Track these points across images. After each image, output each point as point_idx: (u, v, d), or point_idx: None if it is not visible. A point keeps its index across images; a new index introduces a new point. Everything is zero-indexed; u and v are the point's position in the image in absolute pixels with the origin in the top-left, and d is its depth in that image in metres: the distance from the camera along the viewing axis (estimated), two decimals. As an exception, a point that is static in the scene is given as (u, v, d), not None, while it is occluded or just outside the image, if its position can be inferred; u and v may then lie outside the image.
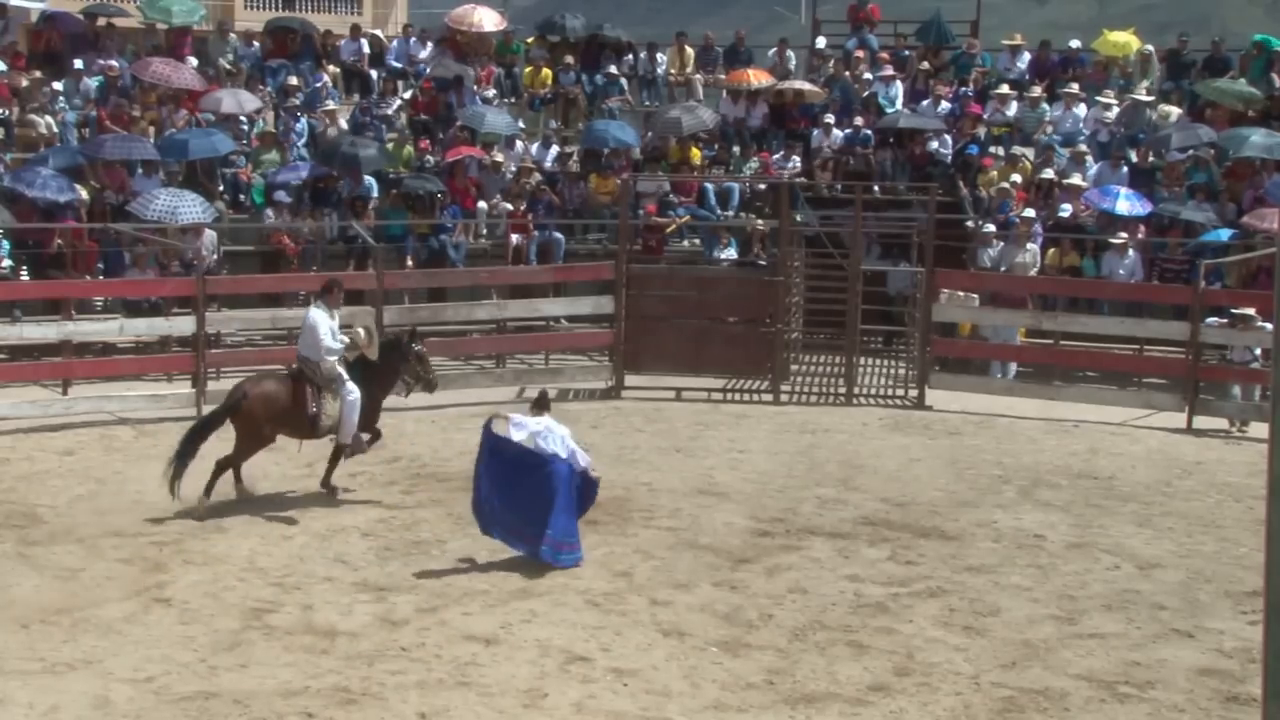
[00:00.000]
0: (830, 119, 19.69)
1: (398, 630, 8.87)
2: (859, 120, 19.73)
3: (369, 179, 18.27)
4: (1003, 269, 17.07)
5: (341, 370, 11.52)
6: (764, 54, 22.72)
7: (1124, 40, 21.10)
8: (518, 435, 10.06)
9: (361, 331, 11.74)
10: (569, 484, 10.07)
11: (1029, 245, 17.09)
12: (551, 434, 10.13)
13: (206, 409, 14.33)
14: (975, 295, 16.45)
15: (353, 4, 30.57)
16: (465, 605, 9.29)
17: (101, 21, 20.76)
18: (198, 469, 11.13)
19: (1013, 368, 16.71)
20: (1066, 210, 17.56)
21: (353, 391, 11.48)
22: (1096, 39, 21.58)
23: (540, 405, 10.41)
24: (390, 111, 20.25)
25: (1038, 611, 9.45)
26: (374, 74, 21.35)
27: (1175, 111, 19.42)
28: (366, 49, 21.72)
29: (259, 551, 10.33)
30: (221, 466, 11.26)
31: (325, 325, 11.47)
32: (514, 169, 18.92)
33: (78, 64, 19.77)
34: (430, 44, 21.94)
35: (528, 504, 9.98)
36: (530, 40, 22.51)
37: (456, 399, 15.26)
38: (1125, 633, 9.11)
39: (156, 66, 19.61)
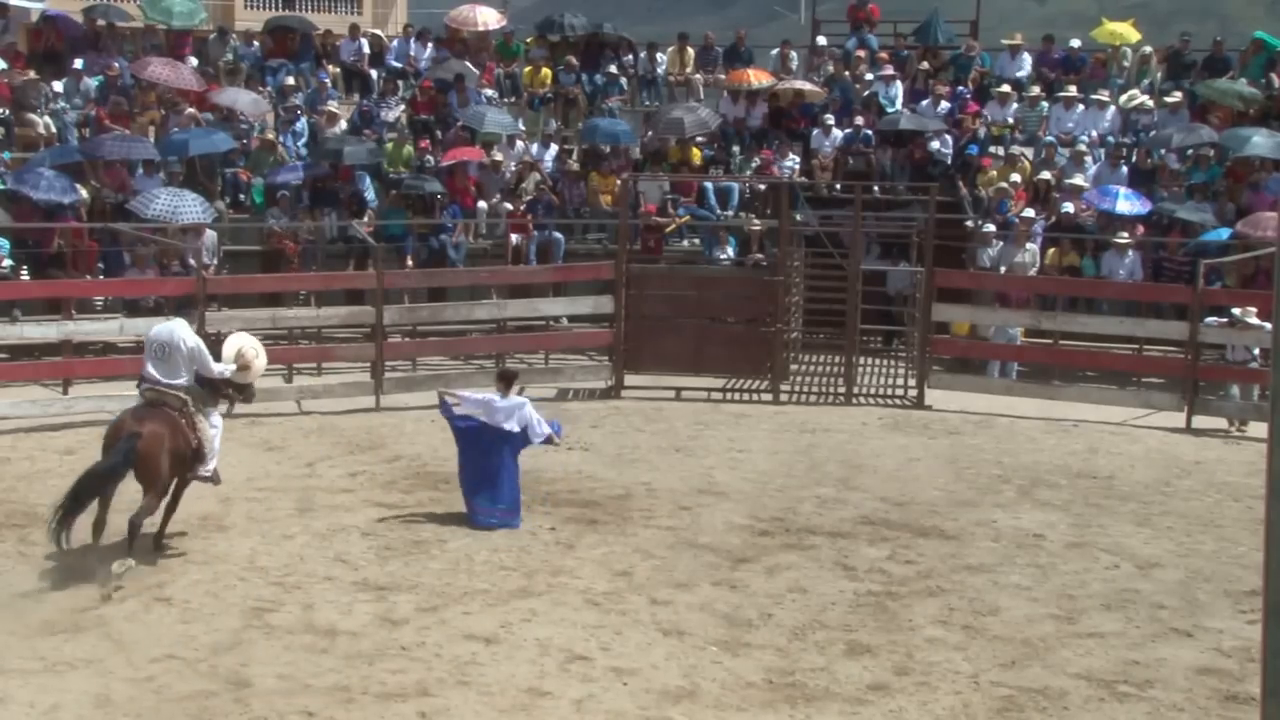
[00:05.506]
0: (830, 119, 19.70)
1: (398, 629, 8.87)
2: (859, 120, 19.74)
3: (365, 176, 18.30)
4: (1002, 269, 17.09)
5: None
6: (764, 54, 22.75)
7: (1122, 30, 21.14)
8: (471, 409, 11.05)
9: (250, 351, 10.39)
10: (514, 458, 10.97)
11: (1028, 245, 17.11)
12: (500, 410, 10.88)
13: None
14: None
15: (353, 4, 30.62)
16: (465, 605, 9.30)
17: (101, 22, 20.78)
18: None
19: (1014, 367, 16.73)
20: (1069, 209, 17.57)
21: (218, 418, 10.30)
22: (1095, 29, 21.67)
23: (505, 380, 11.08)
24: (390, 111, 20.27)
25: (1037, 611, 9.45)
26: (374, 74, 21.37)
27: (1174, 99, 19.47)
28: (366, 49, 21.74)
29: (259, 551, 10.34)
30: (137, 526, 9.68)
31: (203, 345, 10.17)
32: (513, 168, 18.94)
33: (78, 64, 19.79)
34: (430, 44, 21.97)
35: (480, 478, 10.89)
36: (530, 40, 22.53)
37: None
38: (1124, 632, 9.12)
39: (156, 66, 19.65)
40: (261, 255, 17.55)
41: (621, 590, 9.65)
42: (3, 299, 15.52)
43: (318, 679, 8.11)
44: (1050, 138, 19.36)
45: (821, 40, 22.39)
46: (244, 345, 10.44)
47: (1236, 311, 15.03)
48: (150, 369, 10.02)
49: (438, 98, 20.27)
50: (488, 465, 10.89)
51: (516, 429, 10.92)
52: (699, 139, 19.59)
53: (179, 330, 10.09)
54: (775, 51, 22.35)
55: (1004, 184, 18.11)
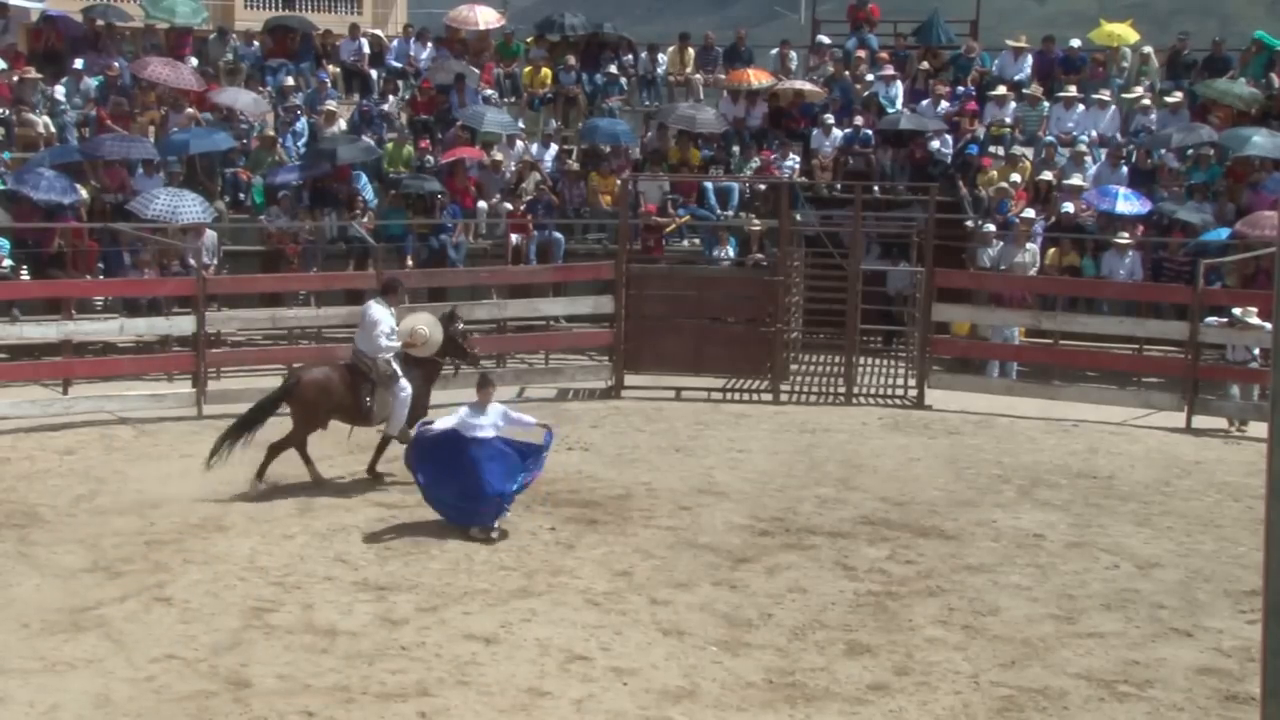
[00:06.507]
0: (830, 119, 19.70)
1: (398, 629, 8.88)
2: (859, 120, 19.74)
3: (361, 174, 18.29)
4: (1002, 269, 17.09)
5: (396, 367, 11.90)
6: (764, 54, 22.76)
7: (1120, 31, 21.15)
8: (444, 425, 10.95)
9: (424, 330, 12.08)
10: (495, 459, 10.76)
11: (1028, 245, 17.11)
12: (473, 421, 10.81)
13: (207, 409, 14.43)
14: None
15: (353, 4, 30.60)
16: (465, 605, 9.30)
17: (101, 22, 20.78)
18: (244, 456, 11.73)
19: (1014, 367, 16.73)
20: (1069, 209, 17.58)
21: (405, 389, 11.91)
22: (1093, 30, 21.70)
23: (484, 387, 11.05)
24: (390, 111, 20.27)
25: (1037, 611, 9.46)
26: (374, 74, 21.37)
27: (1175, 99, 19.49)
28: (366, 49, 21.75)
29: (260, 550, 10.34)
30: (274, 449, 11.79)
31: (386, 323, 11.84)
32: (513, 168, 18.94)
33: (78, 64, 19.79)
34: (430, 44, 21.97)
35: (463, 484, 10.72)
36: (530, 40, 22.54)
37: (455, 399, 15.22)
38: (1124, 632, 9.12)
39: (156, 66, 19.66)
40: (261, 255, 17.56)
41: (621, 590, 9.65)
42: (3, 299, 15.52)
43: (318, 679, 8.11)
44: (1050, 138, 19.36)
45: (822, 40, 22.40)
46: (417, 325, 12.09)
47: (1237, 311, 15.04)
48: (356, 337, 12.19)
49: (438, 98, 20.27)
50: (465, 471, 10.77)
51: (492, 434, 10.85)
52: (699, 140, 19.59)
53: (371, 307, 11.97)
54: (775, 51, 22.35)
55: (1004, 184, 18.12)
